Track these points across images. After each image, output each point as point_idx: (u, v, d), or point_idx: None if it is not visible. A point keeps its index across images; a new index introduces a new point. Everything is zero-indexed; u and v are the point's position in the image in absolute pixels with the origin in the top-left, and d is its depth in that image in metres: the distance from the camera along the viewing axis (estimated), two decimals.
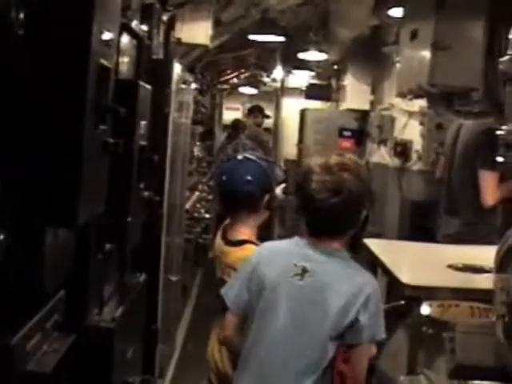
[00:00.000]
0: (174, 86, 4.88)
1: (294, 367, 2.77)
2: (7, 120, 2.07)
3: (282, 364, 2.79)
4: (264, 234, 3.61)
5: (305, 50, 9.93)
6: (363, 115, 10.02)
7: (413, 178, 7.51)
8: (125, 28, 3.36)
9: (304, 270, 2.80)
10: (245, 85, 16.46)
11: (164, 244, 4.99)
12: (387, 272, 3.88)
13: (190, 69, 7.49)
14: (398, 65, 6.80)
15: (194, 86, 7.57)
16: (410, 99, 6.40)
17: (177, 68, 5.10)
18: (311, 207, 2.82)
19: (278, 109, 14.56)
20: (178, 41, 5.81)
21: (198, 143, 9.78)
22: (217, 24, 6.72)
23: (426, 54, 5.50)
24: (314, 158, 2.94)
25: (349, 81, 10.20)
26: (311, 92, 12.25)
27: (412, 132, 7.55)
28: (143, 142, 3.30)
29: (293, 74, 13.45)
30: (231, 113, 16.63)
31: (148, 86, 3.38)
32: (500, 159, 3.20)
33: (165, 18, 5.14)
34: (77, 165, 2.13)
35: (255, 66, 13.31)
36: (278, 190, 3.57)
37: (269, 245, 3.07)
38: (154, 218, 4.40)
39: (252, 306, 2.89)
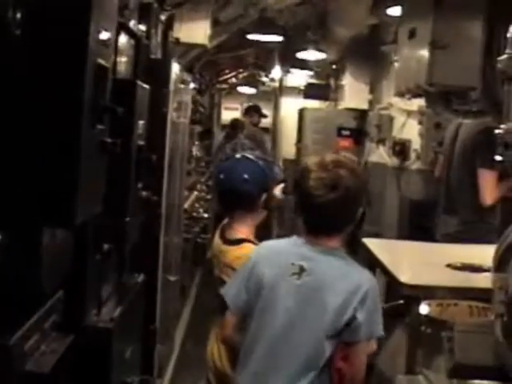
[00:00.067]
0: (172, 86, 4.88)
1: (292, 366, 2.79)
2: (4, 120, 2.06)
3: (281, 363, 2.81)
4: (263, 233, 3.61)
5: (303, 49, 9.94)
6: (362, 114, 10.02)
7: (411, 177, 7.51)
8: (122, 27, 3.35)
9: (301, 269, 2.81)
10: (243, 84, 16.46)
11: (162, 244, 4.98)
12: (386, 271, 3.88)
13: (188, 68, 7.48)
14: (396, 64, 6.81)
15: (192, 85, 7.57)
16: (409, 98, 6.41)
17: (175, 68, 5.10)
18: (309, 204, 2.84)
19: (276, 108, 14.58)
20: (177, 40, 5.80)
21: (196, 143, 9.78)
22: (215, 24, 6.72)
23: (424, 53, 5.51)
24: (311, 157, 2.98)
25: (347, 80, 10.20)
26: (310, 91, 12.25)
27: (410, 131, 7.55)
28: (141, 142, 3.30)
29: (291, 74, 13.45)
30: (230, 112, 16.60)
31: (146, 86, 3.37)
32: (498, 158, 3.20)
33: (163, 17, 5.13)
34: (74, 164, 2.13)
35: (254, 65, 13.32)
36: (277, 190, 3.57)
37: (267, 244, 3.08)
38: (152, 217, 4.39)
39: (251, 306, 2.91)
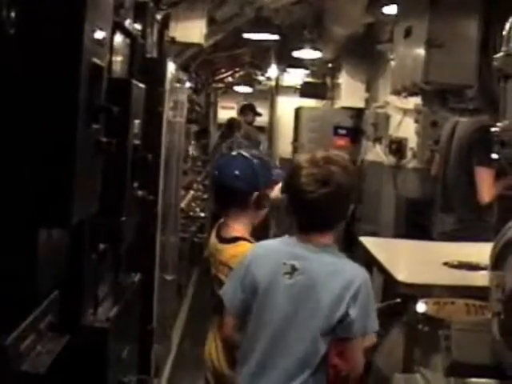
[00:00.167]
0: (168, 85, 4.87)
1: (288, 364, 2.81)
2: None
3: (278, 362, 2.83)
4: (260, 233, 3.61)
5: (299, 48, 9.94)
6: (358, 113, 10.02)
7: (408, 175, 7.52)
8: (118, 27, 3.35)
9: (293, 269, 2.82)
10: (240, 83, 16.46)
11: (159, 243, 4.98)
12: (383, 270, 3.87)
13: (184, 68, 7.47)
14: (392, 62, 6.80)
15: (188, 84, 7.56)
16: (405, 97, 6.41)
17: (171, 67, 5.09)
18: (300, 200, 2.85)
19: (272, 107, 14.58)
20: (172, 40, 5.80)
21: (192, 142, 9.78)
22: (211, 23, 6.71)
23: (421, 51, 5.51)
24: (302, 155, 3.01)
25: (343, 79, 10.21)
26: (306, 90, 12.26)
27: (407, 130, 7.56)
28: (137, 141, 3.30)
29: (287, 73, 13.46)
30: (226, 112, 16.60)
31: (142, 85, 3.37)
32: (495, 156, 3.20)
33: (159, 16, 5.13)
34: (70, 164, 2.13)
35: (250, 64, 13.32)
36: (277, 189, 3.56)
37: (262, 244, 3.08)
38: (148, 217, 4.39)
39: (248, 306, 2.92)
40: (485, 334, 2.55)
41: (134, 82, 3.24)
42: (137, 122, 3.27)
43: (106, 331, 2.90)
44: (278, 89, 14.35)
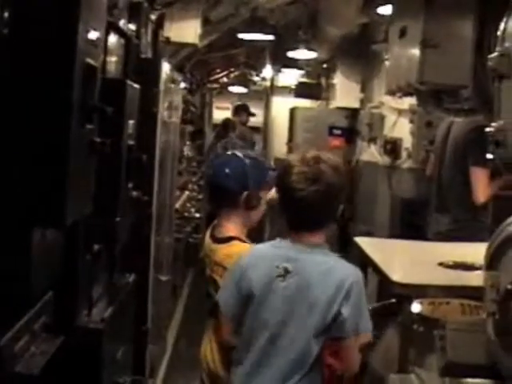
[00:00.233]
0: (162, 86, 4.86)
1: (283, 364, 2.82)
2: None
3: (273, 362, 2.84)
4: (255, 234, 3.60)
5: (294, 48, 9.94)
6: (353, 113, 10.02)
7: (403, 175, 7.52)
8: (112, 27, 3.35)
9: (286, 271, 2.84)
10: (234, 84, 16.45)
11: (153, 244, 4.97)
12: (378, 270, 3.87)
13: (179, 68, 7.47)
14: (387, 63, 6.80)
15: (183, 85, 7.55)
16: (400, 97, 6.40)
17: (165, 67, 5.08)
18: (291, 198, 2.86)
19: (267, 107, 14.57)
20: (167, 40, 5.80)
21: (187, 142, 9.77)
22: (206, 23, 6.72)
23: (415, 51, 5.50)
24: (293, 154, 3.07)
25: (338, 79, 10.20)
26: (301, 90, 12.25)
27: (402, 130, 7.56)
28: (131, 142, 3.29)
29: (282, 73, 13.45)
30: (221, 112, 16.59)
31: (136, 86, 3.37)
32: (490, 156, 3.19)
33: (153, 16, 5.13)
34: (64, 164, 2.13)
35: (245, 64, 13.32)
36: (273, 192, 3.55)
37: (254, 250, 3.10)
38: (143, 217, 4.39)
39: (243, 310, 2.92)
40: (480, 334, 2.55)
41: (129, 82, 3.23)
42: (131, 122, 3.27)
43: (101, 332, 2.90)
44: (272, 89, 14.33)
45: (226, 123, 12.19)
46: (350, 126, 10.05)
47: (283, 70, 12.91)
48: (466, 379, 2.63)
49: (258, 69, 13.75)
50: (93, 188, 2.52)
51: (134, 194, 3.54)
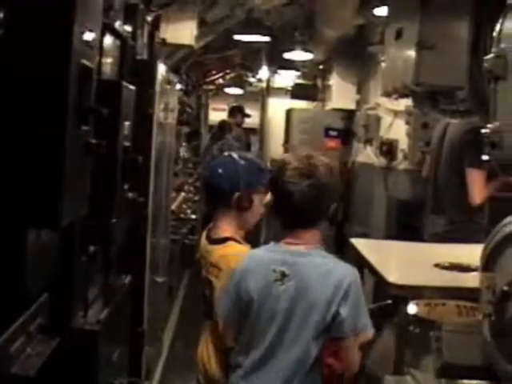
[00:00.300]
0: (158, 87, 4.86)
1: (284, 366, 2.83)
2: None
3: (274, 364, 2.85)
4: (252, 236, 3.60)
5: (290, 49, 9.94)
6: (349, 115, 10.03)
7: (399, 177, 7.53)
8: (108, 28, 3.34)
9: (283, 275, 2.85)
10: (230, 85, 16.46)
11: (149, 245, 4.97)
12: (374, 271, 3.88)
13: (175, 69, 7.47)
14: (383, 64, 6.80)
15: (179, 86, 7.55)
16: (396, 98, 6.40)
17: (161, 68, 5.08)
18: (286, 193, 2.87)
19: (263, 109, 14.58)
20: (163, 41, 5.80)
21: (183, 144, 9.76)
22: (202, 24, 6.72)
23: (411, 53, 5.50)
24: (288, 154, 3.14)
25: (334, 80, 10.21)
26: (297, 92, 12.26)
27: (398, 131, 7.57)
28: (127, 143, 3.29)
29: (278, 74, 13.46)
30: (217, 113, 16.60)
31: (132, 87, 3.37)
32: (486, 158, 3.20)
33: (149, 18, 5.13)
34: (59, 165, 2.12)
35: (241, 66, 13.32)
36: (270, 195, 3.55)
37: (250, 256, 3.10)
38: (138, 219, 4.38)
39: (241, 316, 2.93)
40: (476, 336, 2.55)
41: (124, 83, 3.23)
42: (127, 123, 3.26)
43: (97, 334, 2.89)
44: (268, 90, 14.34)
45: (222, 125, 12.20)
46: (346, 128, 10.06)
47: (279, 71, 12.91)
48: (461, 381, 2.63)
49: (254, 70, 13.75)
50: (88, 189, 2.52)
51: (130, 195, 3.53)
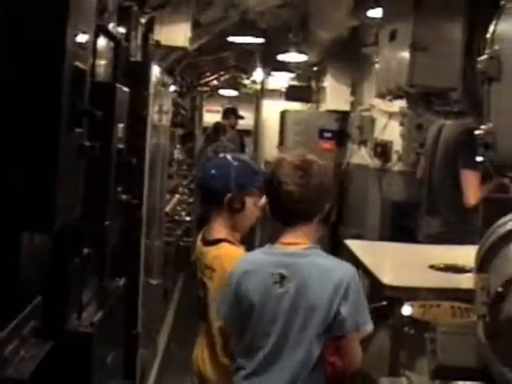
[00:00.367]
0: (152, 89, 4.86)
1: (288, 367, 2.82)
2: None
3: (279, 366, 2.85)
4: (246, 239, 3.59)
5: (284, 51, 9.93)
6: (343, 116, 10.01)
7: (393, 178, 7.52)
8: (101, 30, 3.34)
9: (282, 277, 2.84)
10: (225, 87, 16.46)
11: (144, 247, 4.96)
12: (368, 273, 3.87)
13: (169, 71, 7.46)
14: (377, 65, 6.80)
15: (173, 88, 7.55)
16: (390, 100, 6.40)
17: (155, 70, 5.08)
18: (282, 188, 2.87)
19: (258, 110, 14.58)
20: (157, 43, 5.80)
21: (178, 146, 9.76)
22: (196, 26, 6.71)
23: (405, 54, 5.50)
24: (282, 153, 3.16)
25: (329, 82, 10.20)
26: (291, 93, 12.25)
27: (392, 132, 7.56)
28: (121, 145, 3.29)
29: (273, 76, 13.45)
30: (212, 115, 16.60)
31: (126, 89, 3.36)
32: (480, 159, 3.20)
33: (143, 20, 5.13)
34: (52, 168, 2.12)
35: (235, 68, 13.32)
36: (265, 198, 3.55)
37: (246, 259, 3.09)
38: (132, 221, 4.38)
39: (242, 319, 2.93)
40: (470, 337, 2.55)
41: (118, 85, 3.23)
42: (121, 125, 3.26)
43: (91, 336, 2.89)
44: (263, 92, 14.34)
45: (217, 127, 12.21)
46: (341, 129, 10.05)
47: (273, 73, 12.90)
48: (456, 382, 2.63)
49: (249, 72, 13.75)
50: (82, 191, 2.52)
51: (124, 197, 3.53)
